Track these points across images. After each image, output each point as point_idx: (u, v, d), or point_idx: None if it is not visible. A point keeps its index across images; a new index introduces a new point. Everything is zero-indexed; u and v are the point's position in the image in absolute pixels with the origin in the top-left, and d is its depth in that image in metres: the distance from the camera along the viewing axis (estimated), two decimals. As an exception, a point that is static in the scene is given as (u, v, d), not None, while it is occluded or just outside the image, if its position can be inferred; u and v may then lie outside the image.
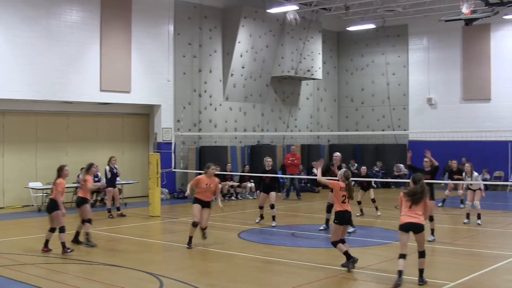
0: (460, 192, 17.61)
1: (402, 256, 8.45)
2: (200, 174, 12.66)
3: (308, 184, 23.88)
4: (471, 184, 14.71)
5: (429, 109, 26.44)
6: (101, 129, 20.53)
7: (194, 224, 11.66)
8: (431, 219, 12.18)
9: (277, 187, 15.17)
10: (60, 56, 18.14)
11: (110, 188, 16.46)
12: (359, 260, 9.63)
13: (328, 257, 10.60)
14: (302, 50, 25.01)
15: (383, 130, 26.95)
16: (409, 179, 9.37)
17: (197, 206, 11.72)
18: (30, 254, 10.96)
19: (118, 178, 17.12)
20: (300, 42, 24.87)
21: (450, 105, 25.80)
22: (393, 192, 22.94)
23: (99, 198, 18.98)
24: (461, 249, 11.62)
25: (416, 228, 8.56)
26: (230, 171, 21.09)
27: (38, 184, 17.89)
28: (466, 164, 15.11)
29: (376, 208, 16.33)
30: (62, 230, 11.02)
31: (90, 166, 12.39)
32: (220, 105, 23.31)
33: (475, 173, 14.84)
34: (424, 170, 12.46)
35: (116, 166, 16.86)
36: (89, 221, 11.98)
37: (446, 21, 19.42)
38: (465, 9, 17.93)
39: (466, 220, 14.73)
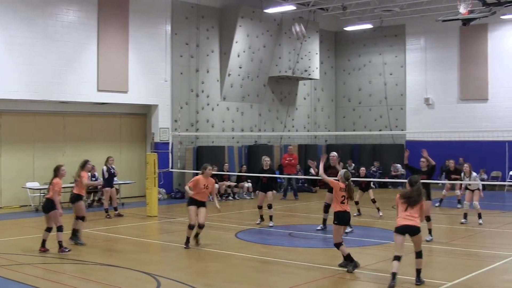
0: (458, 192, 17.63)
1: (397, 258, 8.41)
2: (197, 174, 12.65)
3: (306, 184, 23.90)
4: (469, 184, 14.73)
5: (427, 109, 26.46)
6: (98, 129, 20.50)
7: (191, 227, 11.66)
8: (428, 219, 12.15)
9: (274, 186, 15.14)
10: (57, 56, 18.12)
11: (107, 188, 16.46)
12: (357, 260, 9.59)
13: (325, 257, 10.61)
14: (299, 50, 25.02)
15: (380, 130, 26.97)
16: (406, 179, 9.36)
17: (193, 208, 11.69)
18: (27, 254, 10.95)
19: (115, 178, 17.14)
20: (297, 42, 24.83)
21: (447, 105, 25.82)
22: (391, 192, 22.91)
23: (96, 198, 18.97)
24: (458, 249, 11.63)
25: (412, 231, 8.54)
26: (228, 171, 21.11)
27: (35, 184, 17.88)
28: (465, 164, 15.11)
29: (378, 209, 16.11)
30: (60, 229, 11.04)
31: (85, 162, 12.55)
32: (218, 105, 23.30)
33: (474, 173, 14.86)
34: (421, 170, 12.48)
35: (113, 166, 16.87)
36: (83, 218, 12.02)
37: (444, 21, 19.43)
38: (462, 9, 17.93)
39: (463, 220, 14.75)
